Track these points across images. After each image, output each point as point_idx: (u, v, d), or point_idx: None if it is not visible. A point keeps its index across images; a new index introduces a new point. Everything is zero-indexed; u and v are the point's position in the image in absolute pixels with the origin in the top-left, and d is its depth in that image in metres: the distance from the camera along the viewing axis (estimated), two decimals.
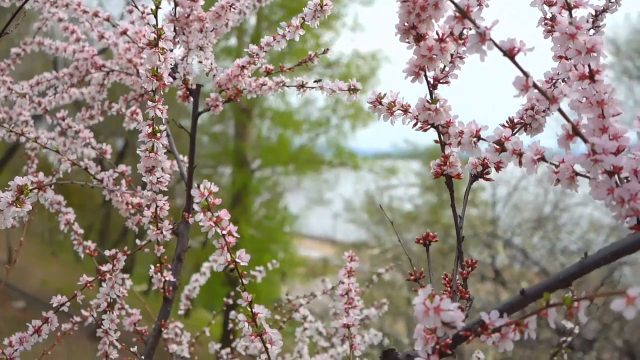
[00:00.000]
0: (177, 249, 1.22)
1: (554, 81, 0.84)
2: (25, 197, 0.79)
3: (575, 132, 0.63)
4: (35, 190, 0.80)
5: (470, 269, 0.77)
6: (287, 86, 1.17)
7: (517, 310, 0.65)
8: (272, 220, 11.49)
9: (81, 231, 1.27)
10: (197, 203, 0.75)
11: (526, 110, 0.84)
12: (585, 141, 0.63)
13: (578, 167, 0.67)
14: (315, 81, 1.13)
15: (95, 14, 1.28)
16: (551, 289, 0.62)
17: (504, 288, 6.79)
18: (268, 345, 0.79)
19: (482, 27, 0.61)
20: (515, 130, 0.84)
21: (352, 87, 1.06)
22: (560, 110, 0.62)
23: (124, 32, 1.26)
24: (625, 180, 0.64)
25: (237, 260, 0.77)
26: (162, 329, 1.18)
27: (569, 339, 1.28)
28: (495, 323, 0.62)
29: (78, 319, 1.30)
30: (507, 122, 0.85)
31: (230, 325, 1.67)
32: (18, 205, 0.81)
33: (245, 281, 1.59)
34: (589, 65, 0.66)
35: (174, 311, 1.79)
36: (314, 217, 12.50)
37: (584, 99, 0.67)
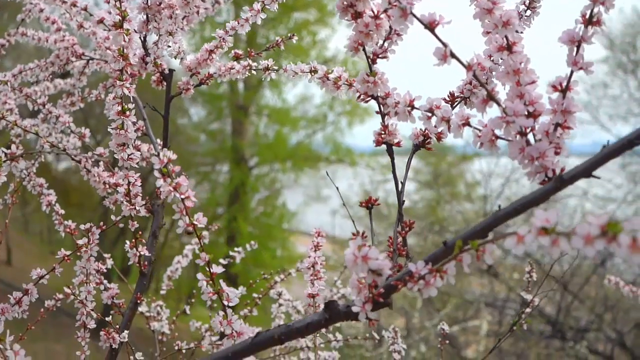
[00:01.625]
0: (153, 226, 1.28)
1: (492, 57, 0.90)
2: None
3: (490, 97, 0.69)
4: (8, 162, 0.87)
5: (408, 229, 0.83)
6: (254, 69, 1.23)
7: (441, 260, 0.71)
8: (270, 217, 11.55)
9: (62, 212, 1.33)
10: (156, 169, 0.81)
11: (465, 84, 0.90)
12: (499, 105, 0.69)
13: (499, 132, 0.74)
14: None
15: (74, 4, 1.34)
16: (469, 238, 0.68)
17: (497, 281, 6.86)
18: (225, 302, 0.85)
19: (404, 3, 0.67)
20: (456, 103, 0.90)
21: (312, 69, 1.12)
22: (475, 77, 0.68)
23: (101, 21, 1.31)
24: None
25: (195, 222, 0.83)
26: (138, 302, 1.24)
27: (528, 310, 1.34)
28: (421, 272, 0.69)
29: (60, 295, 1.36)
30: (448, 95, 0.91)
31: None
32: None
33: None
34: (506, 37, 0.72)
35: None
36: (312, 214, 12.54)
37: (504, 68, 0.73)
